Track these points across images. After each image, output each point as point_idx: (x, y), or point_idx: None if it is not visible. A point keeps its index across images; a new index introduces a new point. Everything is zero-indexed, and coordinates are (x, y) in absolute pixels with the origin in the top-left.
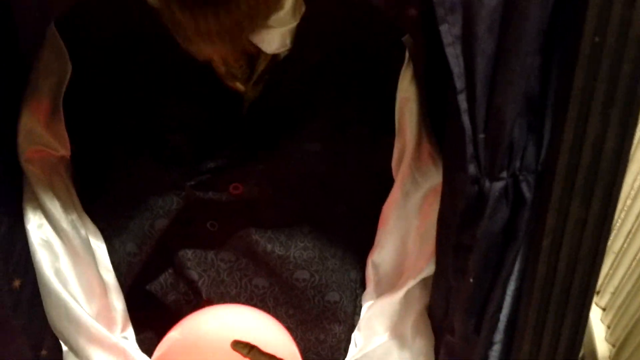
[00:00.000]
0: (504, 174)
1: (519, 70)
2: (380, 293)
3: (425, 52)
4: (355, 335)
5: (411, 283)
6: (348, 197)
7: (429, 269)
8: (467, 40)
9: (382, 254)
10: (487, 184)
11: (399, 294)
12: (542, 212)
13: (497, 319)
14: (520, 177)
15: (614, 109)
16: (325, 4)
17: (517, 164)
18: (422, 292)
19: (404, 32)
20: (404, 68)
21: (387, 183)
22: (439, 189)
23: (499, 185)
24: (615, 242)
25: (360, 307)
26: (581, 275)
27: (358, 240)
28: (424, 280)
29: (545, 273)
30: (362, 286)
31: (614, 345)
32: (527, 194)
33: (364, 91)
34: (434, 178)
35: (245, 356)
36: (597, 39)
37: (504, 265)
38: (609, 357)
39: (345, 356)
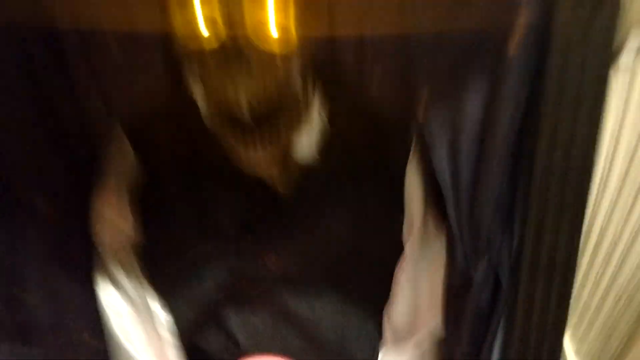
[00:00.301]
0: (484, 265)
1: (494, 179)
2: (394, 343)
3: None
4: None
5: (422, 335)
6: (366, 264)
7: (438, 325)
8: (453, 155)
9: (396, 310)
10: (472, 272)
11: (412, 345)
12: (514, 293)
13: None
14: (498, 267)
15: (564, 214)
16: (343, 120)
17: (494, 257)
18: (434, 345)
19: (409, 132)
20: (409, 160)
21: (398, 250)
22: (443, 258)
23: (480, 274)
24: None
25: (378, 356)
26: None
27: (375, 299)
28: (436, 335)
29: (520, 340)
30: (380, 337)
31: None
32: (503, 280)
33: (377, 179)
34: (438, 249)
35: None
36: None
37: (489, 332)
38: None
39: None
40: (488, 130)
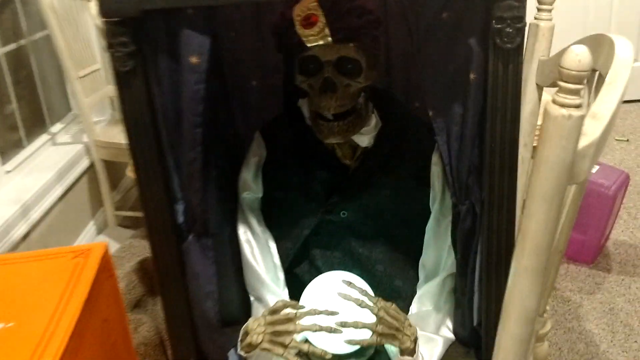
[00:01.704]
0: (467, 202)
1: (468, 154)
2: (426, 281)
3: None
4: (412, 307)
5: (444, 274)
6: (407, 223)
7: (454, 265)
8: (448, 143)
9: (427, 257)
10: (460, 207)
11: (438, 281)
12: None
13: (473, 280)
14: (475, 204)
15: (504, 172)
16: (391, 123)
17: (472, 197)
18: (451, 279)
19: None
20: (434, 151)
21: (427, 214)
22: None
23: (464, 208)
24: None
25: (416, 290)
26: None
27: (413, 249)
28: (452, 272)
29: (487, 252)
30: (417, 277)
31: None
32: (478, 211)
33: (413, 163)
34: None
35: None
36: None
37: (472, 249)
38: None
39: None
40: (465, 129)
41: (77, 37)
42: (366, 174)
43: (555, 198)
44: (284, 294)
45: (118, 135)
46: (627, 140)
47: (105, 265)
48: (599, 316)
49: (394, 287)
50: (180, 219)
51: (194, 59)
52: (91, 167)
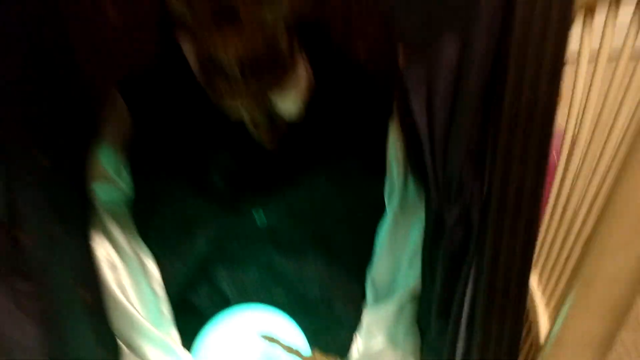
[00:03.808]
0: (457, 209)
1: (466, 127)
2: (376, 301)
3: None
4: (357, 341)
5: (402, 295)
6: (350, 224)
7: (416, 282)
8: (429, 106)
9: (379, 271)
10: (445, 215)
11: (393, 303)
12: (484, 234)
13: (460, 317)
14: (470, 211)
15: (529, 161)
16: (328, 80)
17: (467, 201)
18: (412, 301)
19: (392, 91)
20: (392, 120)
21: (380, 211)
22: (422, 219)
23: (453, 218)
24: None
25: (361, 314)
26: (515, 283)
27: (359, 259)
28: (415, 291)
29: (488, 281)
30: (363, 296)
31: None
32: (475, 221)
33: (361, 139)
34: (419, 209)
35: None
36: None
37: (461, 274)
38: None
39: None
40: (460, 82)
41: None
42: (292, 157)
43: None
44: (171, 337)
45: None
46: None
47: None
48: None
49: (333, 316)
50: None
51: None
52: None
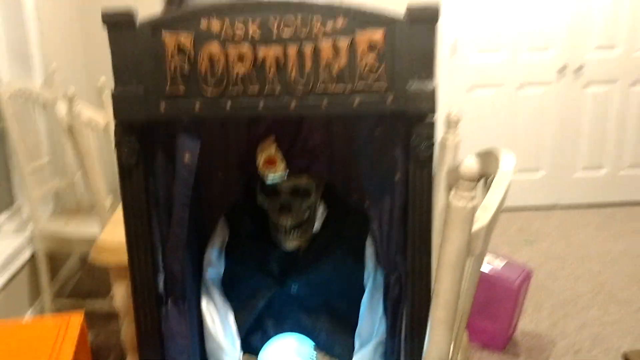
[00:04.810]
0: (395, 273)
1: (397, 238)
2: (361, 347)
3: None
4: None
5: (376, 341)
6: (346, 296)
7: (384, 334)
8: (380, 227)
9: (362, 327)
10: (390, 277)
11: (370, 347)
12: (410, 287)
13: (400, 340)
14: (402, 275)
15: (423, 253)
16: (334, 211)
17: (399, 269)
18: (382, 344)
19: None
20: (368, 235)
21: (363, 289)
22: None
23: (393, 277)
24: None
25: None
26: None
27: (351, 319)
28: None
29: (411, 312)
30: (353, 344)
31: None
32: (403, 281)
33: (351, 246)
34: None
35: None
36: None
37: (397, 316)
38: None
39: None
40: (392, 216)
41: (30, 132)
42: (313, 254)
43: (458, 266)
44: (240, 356)
45: (62, 227)
46: (532, 242)
47: (82, 331)
48: None
49: (334, 353)
50: (160, 286)
51: (186, 156)
52: (32, 258)
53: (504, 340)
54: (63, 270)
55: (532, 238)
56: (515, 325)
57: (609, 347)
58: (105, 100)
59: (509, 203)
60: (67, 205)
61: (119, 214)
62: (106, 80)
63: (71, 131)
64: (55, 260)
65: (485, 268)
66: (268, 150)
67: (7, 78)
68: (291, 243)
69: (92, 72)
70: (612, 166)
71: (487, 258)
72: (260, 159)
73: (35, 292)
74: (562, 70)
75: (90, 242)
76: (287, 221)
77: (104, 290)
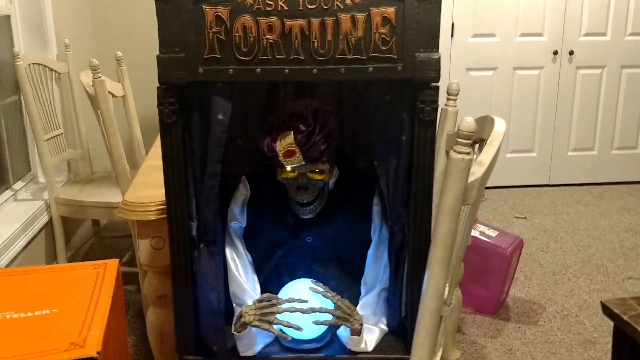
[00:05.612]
0: (399, 224)
1: (400, 192)
2: (367, 293)
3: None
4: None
5: (380, 287)
6: (353, 248)
7: (387, 282)
8: (387, 184)
9: (368, 275)
10: (394, 228)
11: (375, 293)
12: (411, 235)
13: (402, 283)
14: (404, 225)
15: (424, 205)
16: (345, 174)
17: (402, 220)
18: (384, 291)
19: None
20: (375, 195)
21: (368, 242)
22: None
23: (397, 228)
24: None
25: (358, 301)
26: (424, 254)
27: (357, 269)
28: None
29: (412, 257)
30: (359, 291)
31: None
32: (406, 230)
33: (359, 203)
34: (387, 240)
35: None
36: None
37: (400, 261)
38: None
39: None
40: (398, 173)
41: (46, 104)
42: (326, 210)
43: (455, 211)
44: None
45: (77, 194)
46: (525, 217)
47: (118, 275)
48: (500, 355)
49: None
50: (194, 232)
51: (220, 116)
52: (49, 223)
53: (495, 306)
54: (76, 236)
55: (524, 214)
56: (507, 291)
57: (595, 313)
58: (119, 73)
59: (502, 182)
60: (79, 176)
61: (139, 178)
62: (122, 55)
63: (96, 98)
64: (69, 227)
65: (480, 237)
66: (286, 142)
67: (24, 51)
68: (307, 214)
69: (102, 47)
70: (602, 148)
71: (481, 228)
72: (279, 151)
73: (51, 256)
74: (554, 54)
75: (103, 208)
76: (304, 198)
77: (115, 256)
